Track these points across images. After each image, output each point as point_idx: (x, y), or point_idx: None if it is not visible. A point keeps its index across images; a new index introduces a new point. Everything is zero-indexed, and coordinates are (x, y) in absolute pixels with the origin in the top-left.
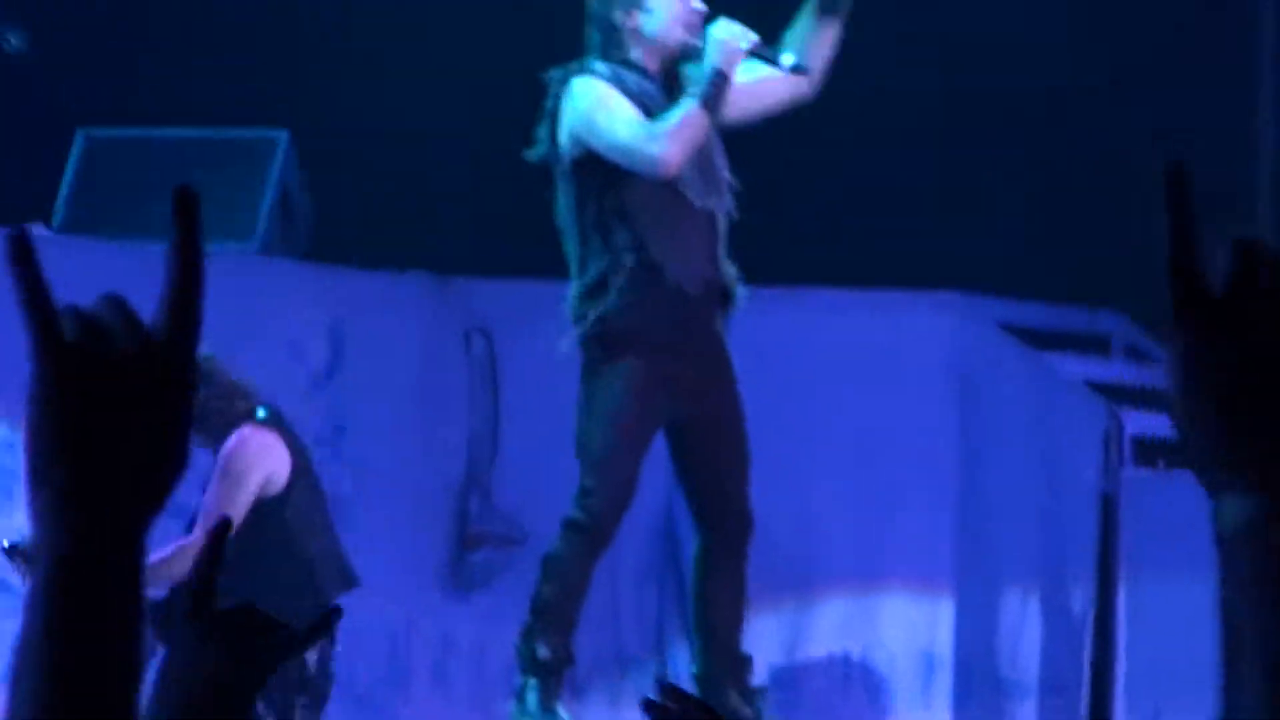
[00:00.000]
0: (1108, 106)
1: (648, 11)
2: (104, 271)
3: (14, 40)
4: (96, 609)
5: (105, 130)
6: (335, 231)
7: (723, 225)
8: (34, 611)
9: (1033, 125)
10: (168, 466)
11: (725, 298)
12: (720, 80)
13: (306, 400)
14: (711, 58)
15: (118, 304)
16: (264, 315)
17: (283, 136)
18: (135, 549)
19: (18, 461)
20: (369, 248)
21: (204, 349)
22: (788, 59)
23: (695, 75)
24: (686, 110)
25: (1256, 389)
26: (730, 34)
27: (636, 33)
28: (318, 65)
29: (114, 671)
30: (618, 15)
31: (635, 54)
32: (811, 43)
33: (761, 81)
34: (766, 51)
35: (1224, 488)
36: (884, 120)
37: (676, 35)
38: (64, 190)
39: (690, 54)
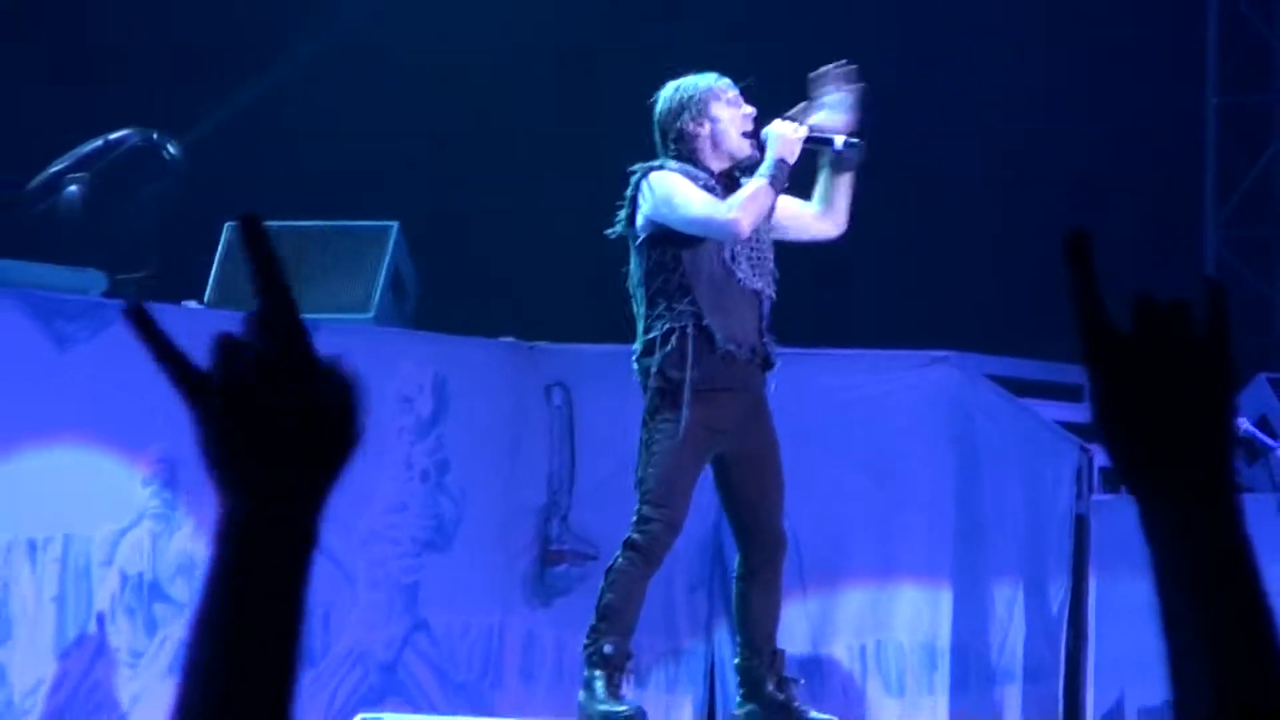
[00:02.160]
0: (1068, 206)
1: (712, 120)
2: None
3: (171, 149)
4: (277, 561)
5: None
6: (438, 303)
7: (767, 305)
8: (221, 565)
9: (1021, 211)
10: (334, 443)
11: (766, 363)
12: (783, 165)
13: (416, 442)
14: (773, 149)
15: (225, 340)
16: (380, 374)
17: (394, 227)
18: (314, 514)
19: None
20: (466, 316)
21: None
22: (839, 139)
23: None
24: (756, 186)
25: (1158, 414)
26: (785, 129)
27: (702, 139)
28: (422, 163)
29: (283, 621)
30: (686, 123)
31: (701, 158)
32: (831, 195)
33: (797, 217)
34: (820, 136)
35: (1142, 496)
36: (892, 214)
37: (735, 141)
38: (214, 271)
39: (748, 165)
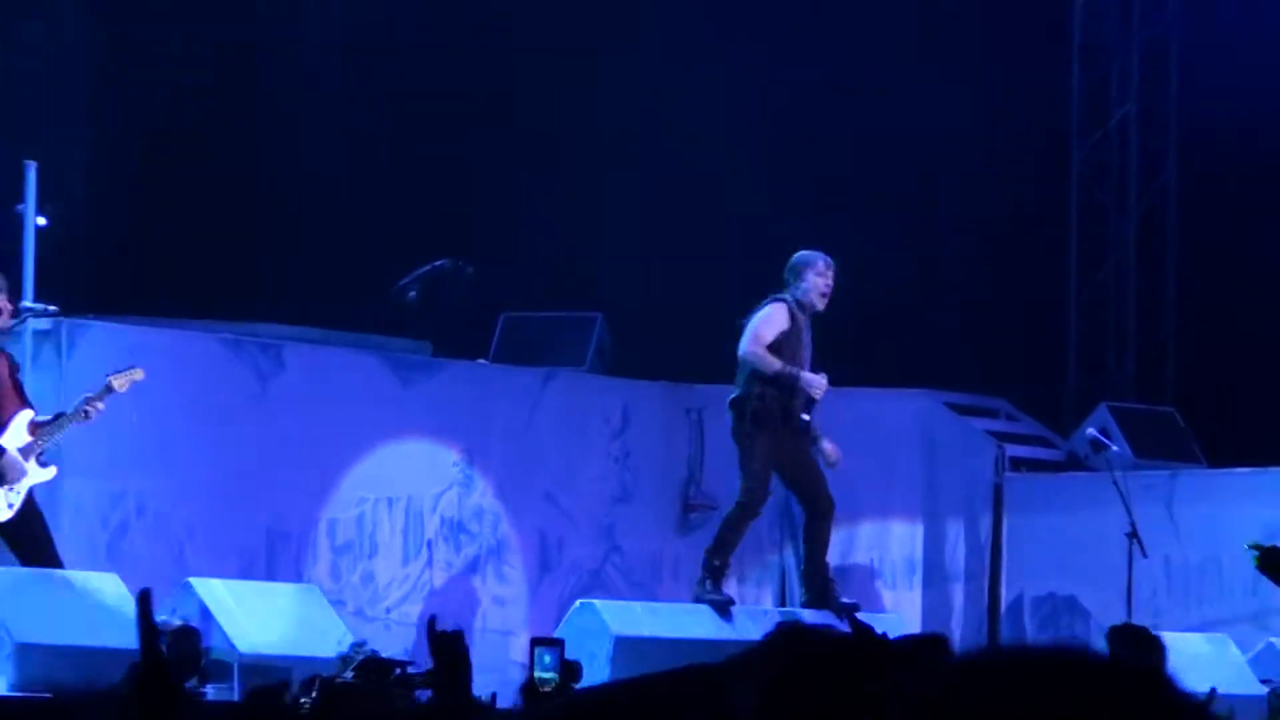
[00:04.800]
0: (988, 284)
1: (806, 282)
2: (518, 384)
3: (413, 294)
4: None
5: (516, 313)
6: (626, 356)
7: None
8: None
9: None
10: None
11: (797, 419)
12: (808, 405)
13: (610, 441)
14: (812, 393)
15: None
16: (590, 402)
17: (599, 317)
18: None
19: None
20: (642, 367)
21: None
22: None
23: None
24: (776, 368)
25: None
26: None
27: (802, 290)
28: (620, 259)
29: None
30: (791, 279)
31: (801, 300)
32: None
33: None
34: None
35: None
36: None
37: (816, 298)
38: (494, 341)
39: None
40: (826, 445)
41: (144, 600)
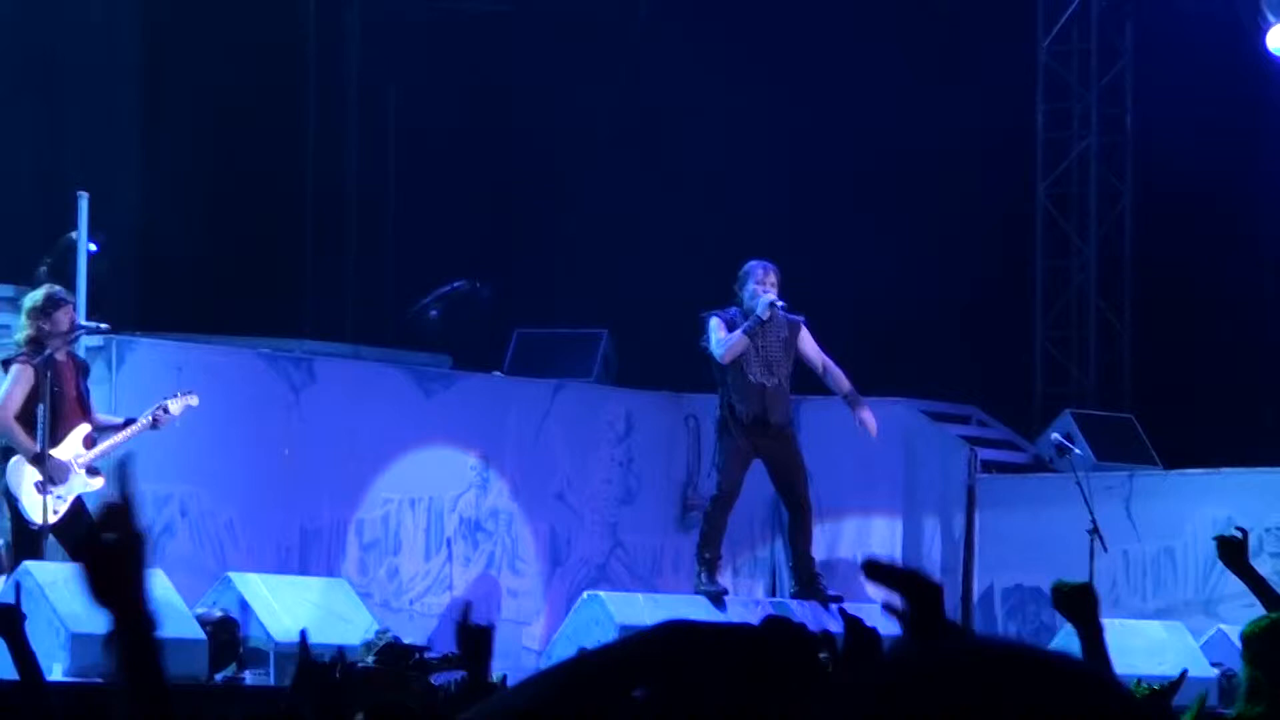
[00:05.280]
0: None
1: (749, 291)
2: (530, 394)
3: (434, 313)
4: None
5: (528, 329)
6: (629, 368)
7: (770, 393)
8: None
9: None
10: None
11: (767, 425)
12: (758, 322)
13: (615, 447)
14: (760, 309)
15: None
16: (596, 410)
17: (604, 333)
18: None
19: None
20: (644, 378)
21: (562, 433)
22: (768, 300)
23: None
24: (736, 338)
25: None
26: (767, 300)
27: (746, 298)
28: (627, 277)
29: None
30: (739, 289)
31: (746, 305)
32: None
33: (808, 359)
34: (779, 303)
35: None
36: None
37: (755, 303)
38: (508, 355)
39: (759, 311)
40: (864, 414)
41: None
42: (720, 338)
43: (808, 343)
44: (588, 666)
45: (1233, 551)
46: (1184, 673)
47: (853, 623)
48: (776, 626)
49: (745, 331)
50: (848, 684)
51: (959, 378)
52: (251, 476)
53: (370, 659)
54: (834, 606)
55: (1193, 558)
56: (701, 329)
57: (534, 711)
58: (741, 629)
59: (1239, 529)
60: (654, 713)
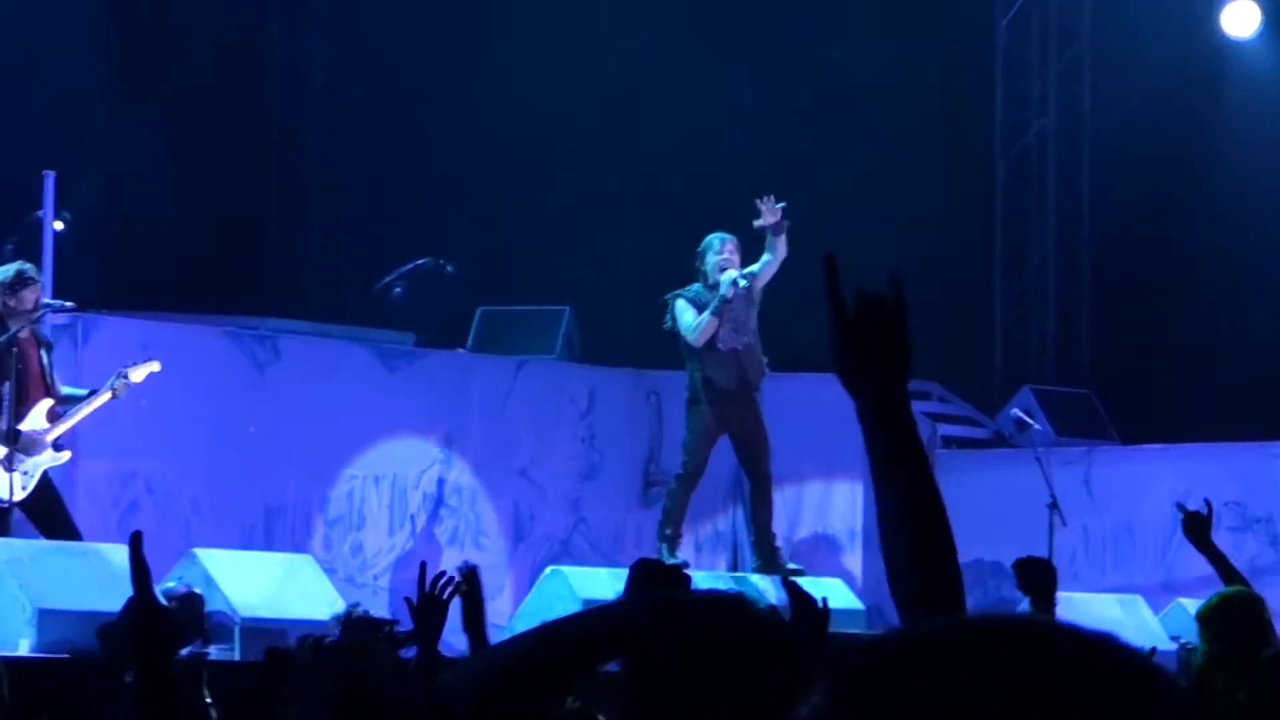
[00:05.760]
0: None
1: (710, 264)
2: (494, 371)
3: (398, 290)
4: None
5: (492, 306)
6: (592, 345)
7: (745, 355)
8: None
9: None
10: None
11: (746, 385)
12: (723, 301)
13: (577, 423)
14: (723, 289)
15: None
16: (559, 387)
17: (567, 310)
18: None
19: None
20: (606, 355)
21: (526, 409)
22: (730, 278)
23: (720, 291)
24: (706, 319)
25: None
26: (730, 278)
27: (708, 270)
28: (589, 256)
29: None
30: (699, 263)
31: (709, 279)
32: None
33: (766, 272)
34: (741, 279)
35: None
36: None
37: (718, 274)
38: (471, 332)
39: (723, 290)
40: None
41: (135, 542)
42: (690, 321)
43: (763, 276)
44: (570, 631)
45: (1198, 527)
46: (1153, 649)
47: (798, 595)
48: (795, 592)
49: (714, 312)
50: (858, 653)
51: (919, 354)
52: (216, 453)
53: (338, 632)
54: (776, 578)
55: (1151, 531)
56: (668, 311)
57: (514, 670)
58: (722, 596)
59: (1207, 502)
60: (637, 681)
